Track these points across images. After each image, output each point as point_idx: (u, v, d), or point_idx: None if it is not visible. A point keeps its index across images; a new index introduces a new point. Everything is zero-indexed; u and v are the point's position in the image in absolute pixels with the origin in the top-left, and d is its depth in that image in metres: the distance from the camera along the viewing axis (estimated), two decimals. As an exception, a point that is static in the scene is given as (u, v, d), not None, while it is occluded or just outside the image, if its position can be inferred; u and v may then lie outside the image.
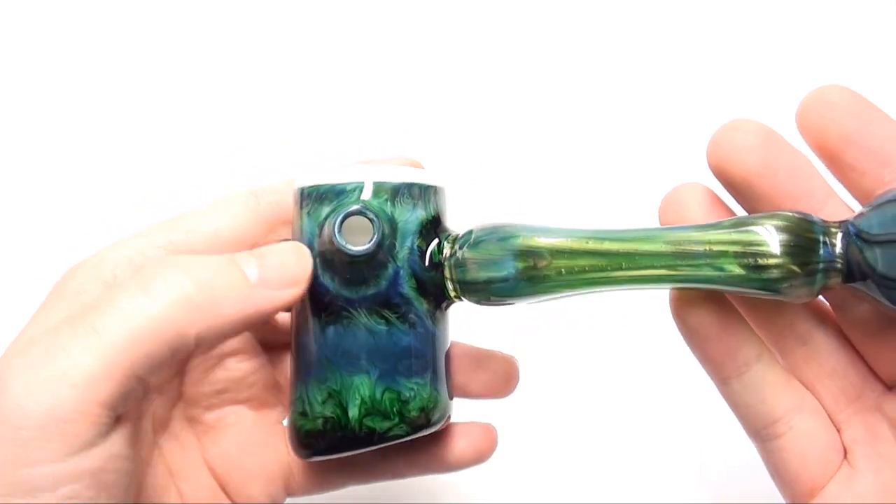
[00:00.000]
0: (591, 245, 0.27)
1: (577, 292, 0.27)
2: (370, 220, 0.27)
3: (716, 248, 0.26)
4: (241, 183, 0.46)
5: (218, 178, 0.45)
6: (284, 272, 0.27)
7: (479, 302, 0.28)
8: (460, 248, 0.28)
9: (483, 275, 0.27)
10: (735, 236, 0.26)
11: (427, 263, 0.28)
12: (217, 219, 0.30)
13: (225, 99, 0.47)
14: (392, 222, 0.28)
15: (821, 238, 0.25)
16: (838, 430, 0.28)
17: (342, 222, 0.27)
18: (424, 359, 0.28)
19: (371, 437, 0.28)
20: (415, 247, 0.28)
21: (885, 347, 0.27)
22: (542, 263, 0.27)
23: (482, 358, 0.32)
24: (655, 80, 0.48)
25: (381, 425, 0.28)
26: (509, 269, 0.27)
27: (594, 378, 0.44)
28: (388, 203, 0.28)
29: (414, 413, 0.28)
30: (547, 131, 0.47)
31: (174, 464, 0.30)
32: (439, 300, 0.29)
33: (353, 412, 0.27)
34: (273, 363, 0.32)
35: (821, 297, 0.28)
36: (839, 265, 0.25)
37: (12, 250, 0.45)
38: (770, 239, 0.25)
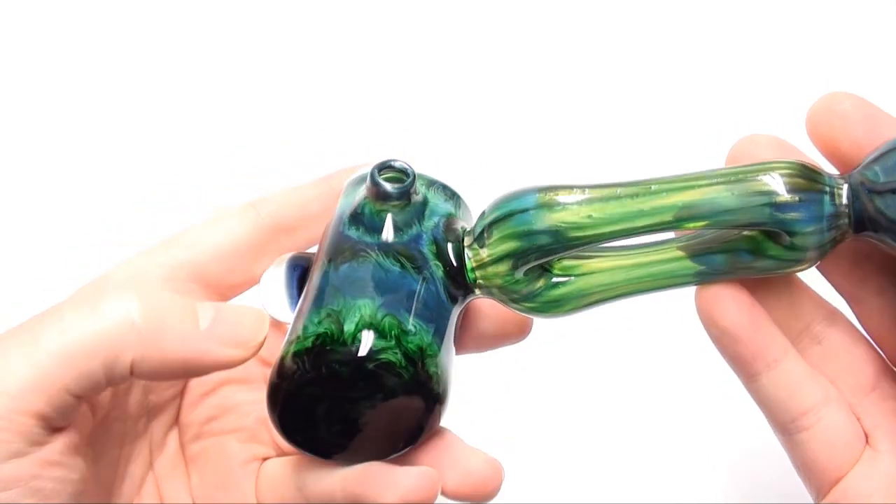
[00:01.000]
0: (607, 191, 0.27)
1: (602, 232, 0.27)
2: (404, 170, 0.29)
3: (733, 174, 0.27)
4: (241, 183, 0.46)
5: (218, 177, 0.45)
6: (236, 331, 0.27)
7: (505, 275, 0.28)
8: (480, 221, 0.28)
9: (507, 208, 0.27)
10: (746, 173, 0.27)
11: (451, 253, 0.29)
12: (217, 233, 0.30)
13: (225, 99, 0.47)
14: (425, 199, 0.29)
15: (827, 189, 0.26)
16: (858, 419, 0.29)
17: (381, 169, 0.28)
18: (431, 313, 0.27)
19: (363, 356, 0.26)
20: (440, 224, 0.29)
21: None
22: (561, 192, 0.27)
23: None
24: (658, 80, 0.48)
25: (375, 343, 0.26)
26: (529, 199, 0.27)
27: (602, 380, 0.44)
28: (423, 186, 0.29)
29: (412, 347, 0.26)
30: (545, 133, 0.47)
31: (165, 488, 0.31)
32: (458, 282, 0.28)
33: (349, 326, 0.26)
34: None
35: (833, 295, 0.29)
36: (847, 215, 0.26)
37: (12, 250, 0.45)
38: (777, 186, 0.26)
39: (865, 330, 0.29)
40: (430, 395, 0.27)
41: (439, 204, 0.29)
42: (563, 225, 0.27)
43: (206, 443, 0.31)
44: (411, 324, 0.27)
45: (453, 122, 0.47)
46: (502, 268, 0.27)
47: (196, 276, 0.30)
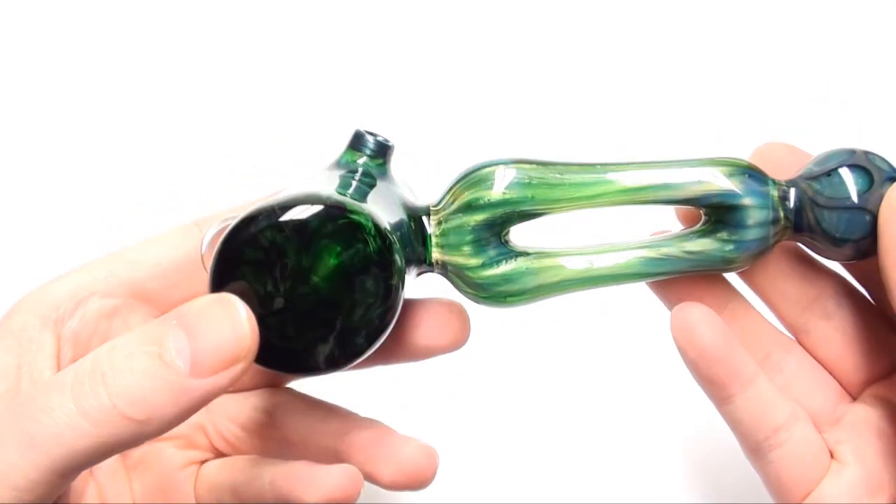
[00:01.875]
0: (563, 162, 0.29)
1: (553, 191, 0.28)
2: (385, 141, 0.29)
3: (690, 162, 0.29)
4: (241, 183, 0.46)
5: (218, 178, 0.45)
6: (220, 352, 0.24)
7: (466, 233, 0.28)
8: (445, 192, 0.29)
9: (469, 170, 0.29)
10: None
11: (414, 213, 0.29)
12: (158, 249, 0.30)
13: (225, 99, 0.47)
14: (394, 183, 0.30)
15: (772, 183, 0.28)
16: (822, 437, 0.30)
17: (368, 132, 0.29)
18: (400, 233, 0.27)
19: (336, 204, 0.25)
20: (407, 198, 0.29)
21: (848, 360, 0.30)
22: (522, 162, 0.29)
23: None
24: (651, 80, 0.48)
25: (350, 206, 0.25)
26: (490, 163, 0.29)
27: (581, 377, 0.44)
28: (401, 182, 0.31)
29: (382, 226, 0.26)
30: (537, 137, 0.47)
31: (108, 495, 0.31)
32: (417, 247, 0.28)
33: (324, 193, 0.26)
34: (210, 406, 0.32)
35: (785, 330, 0.31)
36: (790, 213, 0.28)
37: (12, 250, 0.45)
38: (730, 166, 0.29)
39: (818, 359, 0.31)
40: (391, 283, 0.26)
41: (412, 197, 0.30)
42: (515, 180, 0.28)
43: (144, 450, 0.31)
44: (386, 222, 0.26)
45: (451, 122, 0.47)
46: (457, 222, 0.28)
47: (135, 292, 0.30)
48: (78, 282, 0.30)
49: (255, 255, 0.25)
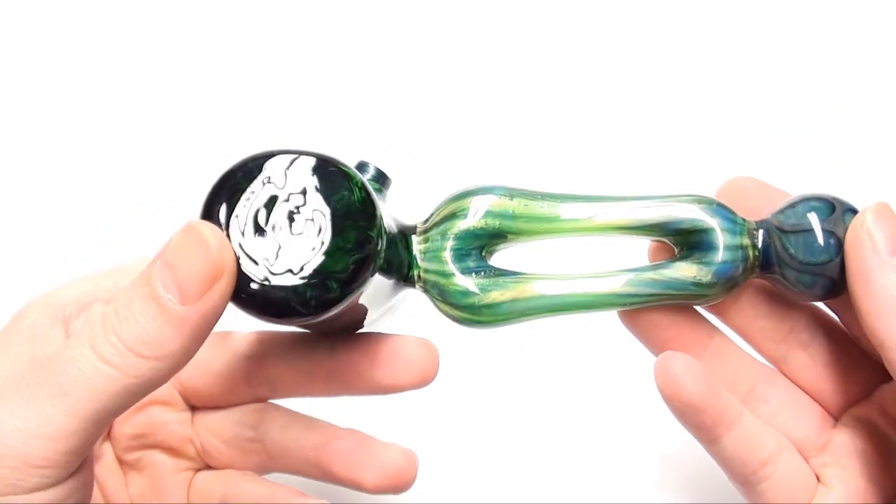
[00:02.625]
0: (544, 194, 0.30)
1: (538, 228, 0.30)
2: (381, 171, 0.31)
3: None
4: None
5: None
6: (198, 276, 0.26)
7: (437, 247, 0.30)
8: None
9: (453, 196, 0.30)
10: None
11: (401, 232, 0.30)
12: None
13: (225, 100, 0.47)
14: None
15: (741, 221, 0.30)
16: (807, 463, 0.31)
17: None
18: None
19: (328, 157, 0.27)
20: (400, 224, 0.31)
21: (827, 384, 0.31)
22: (504, 191, 0.30)
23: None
24: (640, 89, 0.48)
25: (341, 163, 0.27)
26: (473, 189, 0.30)
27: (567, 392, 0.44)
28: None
29: (369, 187, 0.27)
30: (537, 144, 0.47)
31: (108, 491, 0.33)
32: (401, 264, 0.30)
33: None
34: (193, 422, 0.34)
35: (765, 360, 0.32)
36: (758, 249, 0.29)
37: (12, 251, 0.45)
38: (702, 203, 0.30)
39: (799, 386, 0.32)
40: (369, 234, 0.27)
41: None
42: (492, 209, 0.29)
43: (138, 454, 0.34)
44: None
45: (449, 122, 0.47)
46: (440, 238, 0.30)
47: None
48: (83, 289, 0.31)
49: (247, 186, 0.27)
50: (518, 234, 0.30)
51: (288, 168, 0.27)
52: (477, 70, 0.48)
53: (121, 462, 0.34)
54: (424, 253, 0.30)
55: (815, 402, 0.32)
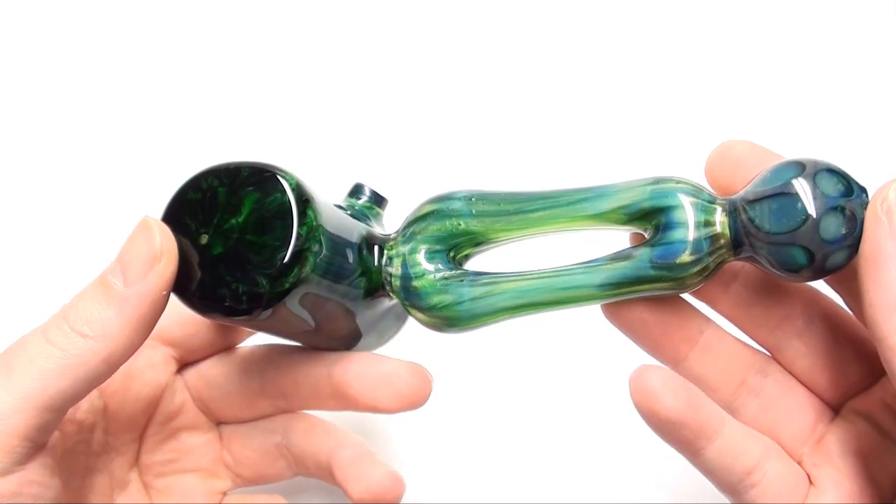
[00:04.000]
0: (512, 193, 0.30)
1: (508, 228, 0.30)
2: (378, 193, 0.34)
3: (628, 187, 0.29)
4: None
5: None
6: (140, 259, 0.28)
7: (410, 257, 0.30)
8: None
9: (425, 202, 0.30)
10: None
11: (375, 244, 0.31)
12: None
13: (226, 103, 0.47)
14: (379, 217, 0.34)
15: (707, 195, 0.28)
16: (800, 462, 0.30)
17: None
18: (338, 233, 0.29)
19: (265, 165, 0.29)
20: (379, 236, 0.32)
21: (823, 375, 0.30)
22: (475, 195, 0.30)
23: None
24: (630, 88, 0.48)
25: (278, 169, 0.29)
26: (445, 193, 0.30)
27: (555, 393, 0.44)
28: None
29: (305, 193, 0.28)
30: (531, 144, 0.47)
31: None
32: (372, 274, 0.31)
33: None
34: (222, 439, 0.36)
35: (759, 347, 0.31)
36: (726, 227, 0.27)
37: (13, 253, 0.45)
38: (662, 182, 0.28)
39: (795, 376, 0.30)
40: (299, 232, 0.28)
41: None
42: (458, 211, 0.29)
43: (169, 480, 0.35)
44: (316, 204, 0.29)
45: (448, 123, 0.47)
46: (410, 240, 0.30)
47: (160, 335, 0.34)
48: None
49: (194, 196, 0.29)
50: (483, 234, 0.30)
51: (231, 173, 0.29)
52: (452, 72, 0.48)
53: (149, 489, 0.35)
54: (391, 259, 0.30)
55: (812, 394, 0.31)
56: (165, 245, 0.28)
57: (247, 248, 0.28)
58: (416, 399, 0.32)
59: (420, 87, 0.48)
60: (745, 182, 0.28)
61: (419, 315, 0.30)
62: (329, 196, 0.32)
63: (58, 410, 0.27)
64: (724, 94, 0.47)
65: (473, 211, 0.30)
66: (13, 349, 0.27)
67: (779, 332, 0.30)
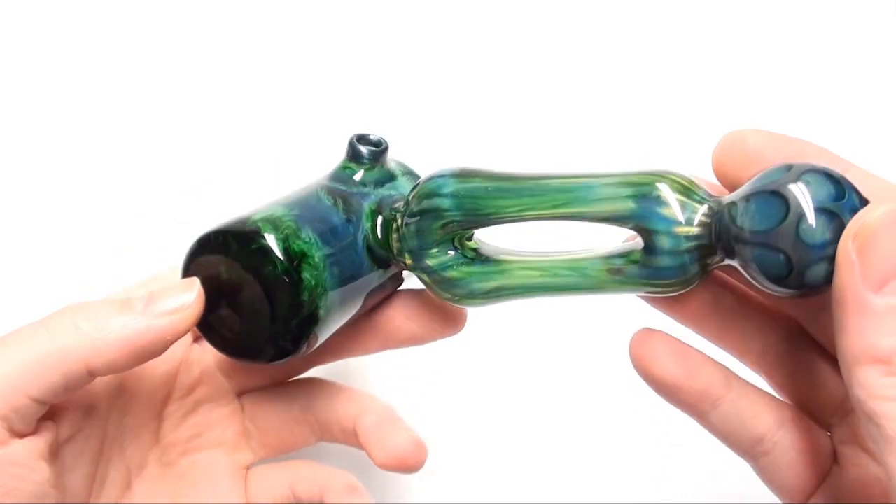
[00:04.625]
0: (510, 174, 0.30)
1: (495, 202, 0.29)
2: (379, 142, 0.34)
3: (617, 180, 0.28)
4: (242, 189, 0.46)
5: (219, 182, 0.46)
6: (169, 301, 0.29)
7: (415, 233, 0.30)
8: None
9: (428, 178, 0.30)
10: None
11: (381, 217, 0.32)
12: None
13: (226, 106, 0.47)
14: (392, 176, 0.34)
15: (697, 198, 0.27)
16: (830, 435, 0.29)
17: (359, 139, 0.34)
18: (337, 242, 0.30)
19: (251, 230, 0.29)
20: (393, 199, 0.33)
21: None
22: (474, 172, 0.30)
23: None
24: (633, 83, 0.48)
25: (265, 227, 0.29)
26: (447, 171, 0.30)
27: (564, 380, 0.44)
28: (400, 171, 0.34)
29: (296, 248, 0.29)
30: (529, 139, 0.47)
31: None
32: (381, 247, 0.32)
33: (256, 216, 0.30)
34: (244, 410, 0.36)
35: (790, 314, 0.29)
36: (710, 228, 0.26)
37: (13, 255, 0.45)
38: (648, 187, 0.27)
39: (826, 348, 0.29)
40: (301, 299, 0.29)
41: (404, 187, 0.33)
42: (463, 191, 0.29)
43: (194, 457, 0.35)
44: (307, 234, 0.30)
45: (447, 122, 0.47)
46: (413, 220, 0.30)
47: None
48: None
49: (205, 273, 0.30)
50: (475, 224, 0.30)
51: (224, 251, 0.30)
52: (453, 68, 0.48)
53: (173, 468, 0.34)
54: (400, 241, 0.31)
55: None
56: (195, 306, 0.29)
57: (261, 317, 0.30)
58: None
59: (419, 84, 0.48)
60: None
61: (432, 285, 0.31)
62: (325, 167, 0.33)
63: (36, 400, 0.28)
64: (728, 83, 0.47)
65: (462, 206, 0.30)
66: (9, 333, 0.28)
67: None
